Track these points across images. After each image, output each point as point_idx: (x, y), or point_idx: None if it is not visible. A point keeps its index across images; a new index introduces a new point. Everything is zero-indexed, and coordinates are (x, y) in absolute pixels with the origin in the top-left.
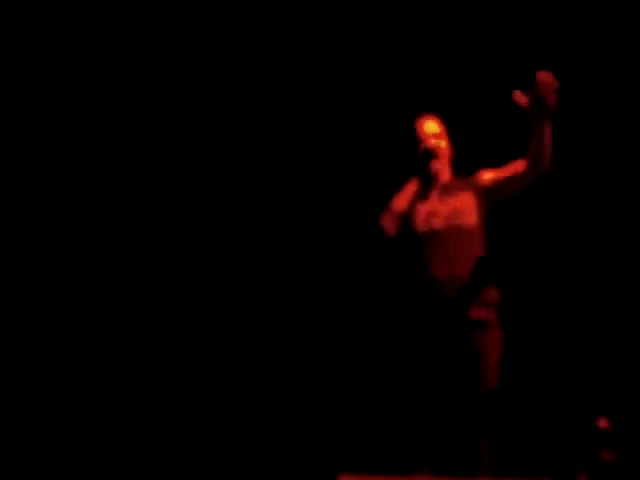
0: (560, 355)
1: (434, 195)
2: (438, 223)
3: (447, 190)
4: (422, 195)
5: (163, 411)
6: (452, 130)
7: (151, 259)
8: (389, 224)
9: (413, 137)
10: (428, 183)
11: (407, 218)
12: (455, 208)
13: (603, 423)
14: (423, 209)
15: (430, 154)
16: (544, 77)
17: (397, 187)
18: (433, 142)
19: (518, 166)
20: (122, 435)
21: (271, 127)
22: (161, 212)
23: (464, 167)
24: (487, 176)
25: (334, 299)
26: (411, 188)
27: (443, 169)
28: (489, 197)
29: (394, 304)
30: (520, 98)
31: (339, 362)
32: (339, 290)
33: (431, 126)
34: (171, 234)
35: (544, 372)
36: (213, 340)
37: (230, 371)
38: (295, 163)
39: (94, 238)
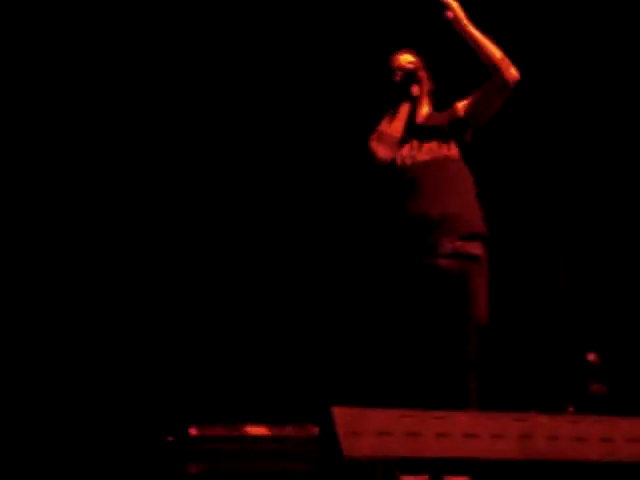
0: (551, 289)
1: (416, 128)
2: (422, 156)
3: (428, 123)
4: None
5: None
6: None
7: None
8: (384, 149)
9: (389, 71)
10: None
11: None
12: (437, 141)
13: (592, 357)
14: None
15: (411, 76)
16: None
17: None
18: (411, 67)
19: (485, 84)
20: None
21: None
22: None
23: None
24: (461, 104)
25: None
26: (404, 111)
27: (422, 99)
28: (469, 124)
29: (383, 240)
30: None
31: (333, 296)
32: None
33: (407, 57)
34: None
35: (534, 306)
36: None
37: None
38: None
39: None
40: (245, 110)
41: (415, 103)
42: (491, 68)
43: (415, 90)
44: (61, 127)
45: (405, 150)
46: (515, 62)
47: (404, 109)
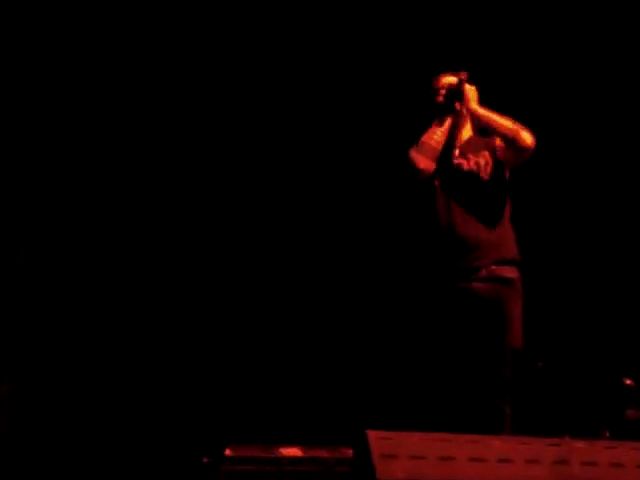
0: (588, 313)
1: (456, 151)
2: (462, 176)
3: (469, 146)
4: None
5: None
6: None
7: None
8: (424, 159)
9: (434, 91)
10: (453, 138)
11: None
12: (477, 164)
13: (629, 381)
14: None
15: (454, 92)
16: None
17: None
18: (454, 83)
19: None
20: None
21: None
22: None
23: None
24: (498, 141)
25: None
26: (447, 123)
27: (465, 118)
28: (504, 165)
29: (418, 258)
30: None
31: (365, 319)
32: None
33: (449, 78)
34: None
35: (571, 330)
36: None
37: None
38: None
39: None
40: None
41: (459, 119)
42: (505, 141)
43: (458, 105)
44: (60, 126)
45: (446, 168)
46: None
47: (447, 122)
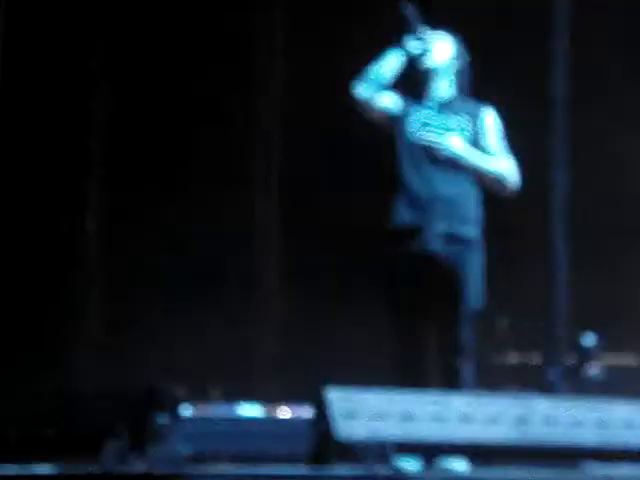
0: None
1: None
2: (428, 135)
3: (447, 107)
4: (417, 100)
5: None
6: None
7: None
8: (363, 89)
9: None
10: (424, 89)
11: (396, 120)
12: (446, 124)
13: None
14: (417, 118)
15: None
16: None
17: None
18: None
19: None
20: None
21: None
22: None
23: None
24: (486, 128)
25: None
26: (394, 60)
27: (442, 81)
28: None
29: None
30: None
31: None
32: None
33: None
34: None
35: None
36: None
37: None
38: None
39: None
40: None
41: (428, 73)
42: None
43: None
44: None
45: (412, 121)
46: None
47: (394, 59)
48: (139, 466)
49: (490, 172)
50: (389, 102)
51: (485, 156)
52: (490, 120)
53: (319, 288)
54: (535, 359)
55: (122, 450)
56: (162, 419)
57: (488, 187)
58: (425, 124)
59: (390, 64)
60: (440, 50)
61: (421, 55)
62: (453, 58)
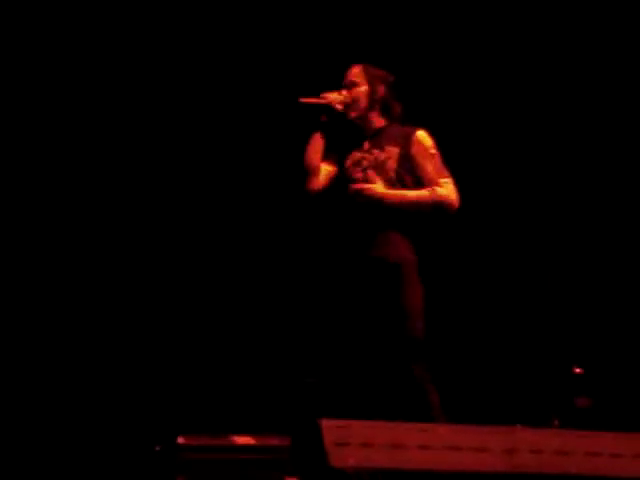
0: (538, 302)
1: (366, 144)
2: (358, 173)
3: (377, 140)
4: (358, 144)
5: None
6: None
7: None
8: (310, 180)
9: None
10: (362, 133)
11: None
12: (376, 159)
13: (578, 370)
14: (351, 158)
15: (332, 115)
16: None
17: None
18: (335, 97)
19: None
20: None
21: None
22: None
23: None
24: (416, 157)
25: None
26: (317, 141)
27: (368, 118)
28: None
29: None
30: None
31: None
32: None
33: (347, 75)
34: None
35: (522, 320)
36: None
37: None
38: None
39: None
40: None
41: (360, 126)
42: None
43: (351, 118)
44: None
45: (348, 164)
46: None
47: (316, 139)
48: None
49: (419, 205)
50: (330, 170)
51: (408, 192)
52: (418, 144)
53: None
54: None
55: None
56: None
57: (430, 214)
58: (355, 163)
59: (316, 148)
60: (357, 91)
61: (345, 109)
62: (372, 92)
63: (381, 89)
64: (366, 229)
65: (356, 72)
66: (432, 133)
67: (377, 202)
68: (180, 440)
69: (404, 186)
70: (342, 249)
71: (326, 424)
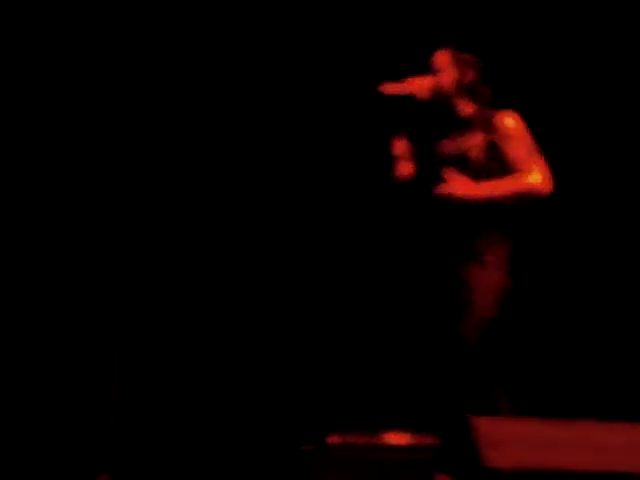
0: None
1: (453, 132)
2: (440, 168)
3: (464, 127)
4: (445, 133)
5: None
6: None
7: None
8: (400, 167)
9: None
10: (450, 120)
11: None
12: (460, 148)
13: None
14: (437, 148)
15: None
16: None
17: None
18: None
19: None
20: None
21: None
22: None
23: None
24: (501, 142)
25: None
26: (402, 131)
27: (455, 105)
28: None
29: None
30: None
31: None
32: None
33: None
34: None
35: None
36: None
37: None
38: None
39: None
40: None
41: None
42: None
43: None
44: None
45: (438, 152)
46: None
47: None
48: None
49: (504, 196)
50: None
51: (492, 184)
52: (503, 128)
53: None
54: None
55: None
56: None
57: (520, 202)
58: (440, 155)
59: (402, 135)
60: (444, 77)
61: (431, 96)
62: (460, 78)
63: (469, 74)
64: (453, 227)
65: (442, 57)
66: (524, 116)
67: (459, 203)
68: (329, 439)
69: (490, 175)
70: (429, 246)
71: (478, 422)
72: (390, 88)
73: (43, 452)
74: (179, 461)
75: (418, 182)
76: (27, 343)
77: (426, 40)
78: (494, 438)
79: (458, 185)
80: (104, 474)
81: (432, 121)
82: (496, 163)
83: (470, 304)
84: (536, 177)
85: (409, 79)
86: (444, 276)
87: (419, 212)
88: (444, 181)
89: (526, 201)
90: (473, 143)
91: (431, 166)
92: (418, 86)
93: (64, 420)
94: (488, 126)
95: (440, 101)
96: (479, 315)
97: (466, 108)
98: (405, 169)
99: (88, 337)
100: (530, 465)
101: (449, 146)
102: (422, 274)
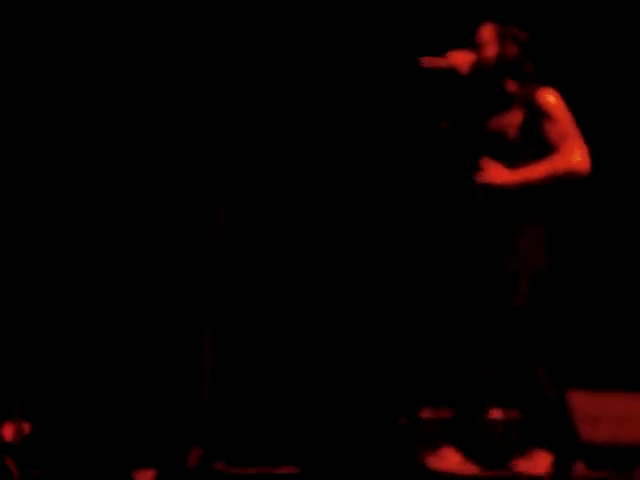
0: None
1: (493, 111)
2: (477, 154)
3: (505, 105)
4: (486, 111)
5: None
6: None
7: None
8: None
9: None
10: (491, 98)
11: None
12: (499, 127)
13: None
14: (477, 127)
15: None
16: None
17: None
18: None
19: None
20: None
21: None
22: None
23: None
24: (539, 121)
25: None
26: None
27: (497, 82)
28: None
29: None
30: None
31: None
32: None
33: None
34: None
35: None
36: None
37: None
38: None
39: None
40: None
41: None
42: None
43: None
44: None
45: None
46: None
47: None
48: None
49: (547, 178)
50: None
51: (529, 170)
52: (541, 106)
53: None
54: None
55: None
56: None
57: (560, 183)
58: (478, 135)
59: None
60: (486, 53)
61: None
62: (503, 54)
63: (513, 50)
64: (489, 213)
65: (486, 32)
66: (566, 95)
67: (498, 191)
68: (424, 414)
69: (525, 155)
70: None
71: (576, 396)
72: (430, 61)
73: (136, 426)
74: (271, 435)
75: (459, 160)
76: (123, 320)
77: (476, 13)
78: (591, 412)
79: (496, 173)
80: (197, 447)
81: (473, 96)
82: (532, 143)
83: (507, 290)
84: (576, 157)
85: (450, 52)
86: (481, 262)
87: (457, 198)
88: (482, 169)
89: (566, 182)
90: (510, 122)
91: (472, 143)
92: (459, 60)
93: (157, 394)
94: (529, 104)
95: (481, 76)
96: (516, 301)
97: (507, 84)
98: (447, 146)
99: (180, 313)
100: (628, 440)
101: (489, 123)
102: (461, 261)
